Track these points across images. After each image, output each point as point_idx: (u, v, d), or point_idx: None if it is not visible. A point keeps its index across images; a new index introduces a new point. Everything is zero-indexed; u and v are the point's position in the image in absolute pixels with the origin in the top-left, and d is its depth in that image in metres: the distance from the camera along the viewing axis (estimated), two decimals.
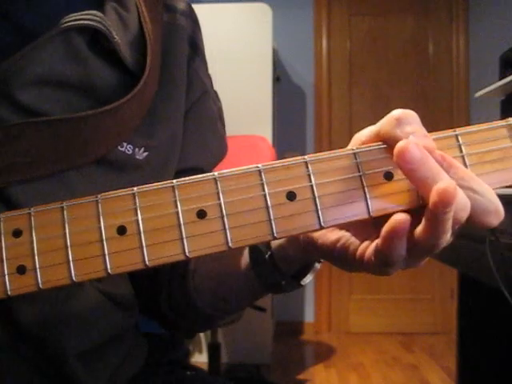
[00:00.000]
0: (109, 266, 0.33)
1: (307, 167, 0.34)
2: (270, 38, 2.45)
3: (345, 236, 0.38)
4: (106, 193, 0.33)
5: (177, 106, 0.54)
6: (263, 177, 0.34)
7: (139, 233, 0.33)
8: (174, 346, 0.65)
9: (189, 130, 0.56)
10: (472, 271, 1.16)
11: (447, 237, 0.33)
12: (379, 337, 2.95)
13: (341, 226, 0.39)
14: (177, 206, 0.33)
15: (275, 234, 0.33)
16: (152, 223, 0.33)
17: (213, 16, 2.40)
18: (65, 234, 0.33)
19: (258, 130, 2.34)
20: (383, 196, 0.34)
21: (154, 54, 0.49)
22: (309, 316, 3.12)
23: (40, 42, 0.42)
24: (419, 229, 0.33)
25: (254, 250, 0.46)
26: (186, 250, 0.33)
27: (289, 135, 3.02)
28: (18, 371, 0.44)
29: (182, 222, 0.33)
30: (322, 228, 0.34)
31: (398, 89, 3.08)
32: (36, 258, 0.33)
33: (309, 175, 0.34)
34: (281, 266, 0.45)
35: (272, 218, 0.33)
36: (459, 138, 0.35)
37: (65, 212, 0.33)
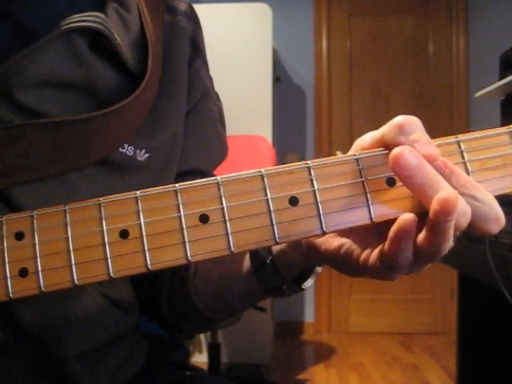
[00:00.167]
0: (111, 270, 0.33)
1: (310, 172, 0.34)
2: (270, 38, 2.45)
3: (348, 242, 0.38)
4: (109, 196, 0.33)
5: (178, 107, 0.54)
6: (266, 181, 0.34)
7: (142, 236, 0.33)
8: (174, 346, 0.65)
9: (190, 131, 0.56)
10: (472, 271, 1.16)
11: (449, 244, 0.33)
12: (379, 337, 2.95)
13: (342, 233, 0.39)
14: (179, 210, 0.33)
15: (277, 239, 0.33)
16: (154, 227, 0.33)
17: (213, 16, 2.40)
18: (67, 237, 0.33)
19: (258, 130, 2.34)
20: (385, 202, 0.34)
21: (156, 55, 0.49)
22: (309, 316, 3.12)
23: (41, 43, 0.42)
24: (421, 236, 0.33)
25: (255, 254, 0.46)
26: (189, 254, 0.33)
27: (289, 135, 3.02)
28: (19, 372, 0.44)
29: (184, 226, 0.33)
30: (324, 233, 0.34)
31: (398, 89, 3.08)
32: (38, 260, 0.33)
33: (311, 180, 0.34)
34: (282, 270, 0.45)
35: (274, 222, 0.33)
36: (461, 144, 0.35)
37: (67, 215, 0.33)
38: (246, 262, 0.47)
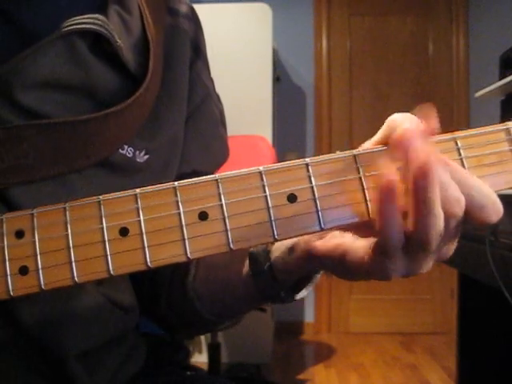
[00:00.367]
0: (111, 267, 0.33)
1: (308, 169, 0.34)
2: (270, 38, 2.45)
3: (344, 242, 0.38)
4: (109, 194, 0.34)
5: (178, 109, 0.54)
6: (264, 179, 0.34)
7: (141, 234, 0.33)
8: (174, 346, 0.65)
9: (190, 133, 0.56)
10: (472, 271, 1.16)
11: (438, 228, 0.32)
12: (379, 337, 2.95)
13: (340, 234, 0.38)
14: (178, 208, 0.33)
15: (276, 236, 0.33)
16: (154, 224, 0.33)
17: (213, 16, 2.40)
18: (67, 234, 0.33)
19: (258, 130, 2.35)
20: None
21: (157, 58, 0.49)
22: (309, 316, 3.12)
23: (42, 45, 0.42)
24: (409, 221, 0.33)
25: (254, 260, 0.45)
26: (188, 251, 0.33)
27: (289, 135, 3.02)
28: (19, 372, 0.44)
29: (183, 223, 0.33)
30: (322, 230, 0.34)
31: (398, 89, 3.08)
32: (38, 258, 0.33)
33: (309, 177, 0.34)
34: (280, 277, 0.44)
35: (273, 219, 0.33)
36: (458, 141, 0.36)
37: (67, 213, 0.33)
38: (246, 267, 0.47)
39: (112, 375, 0.51)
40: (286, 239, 0.34)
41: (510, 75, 1.87)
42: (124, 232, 0.33)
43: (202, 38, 0.59)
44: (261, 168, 0.34)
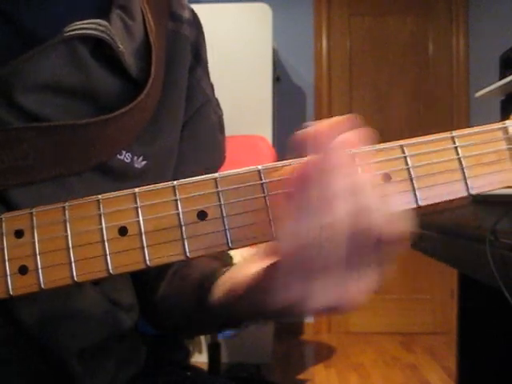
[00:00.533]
0: (110, 266, 0.33)
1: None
2: (270, 38, 2.45)
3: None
4: (108, 193, 0.34)
5: (176, 115, 0.54)
6: (263, 178, 0.34)
7: (140, 233, 0.33)
8: (174, 346, 0.65)
9: (186, 139, 0.56)
10: (472, 271, 1.16)
11: (310, 224, 0.31)
12: (379, 337, 2.95)
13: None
14: (177, 207, 0.33)
15: (274, 235, 0.33)
16: (153, 224, 0.33)
17: (213, 16, 2.40)
18: (66, 234, 0.33)
19: (258, 130, 2.35)
20: (382, 197, 0.34)
21: (159, 63, 0.49)
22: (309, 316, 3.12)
23: (43, 48, 0.42)
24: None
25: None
26: (187, 251, 0.33)
27: (289, 135, 3.00)
28: (19, 371, 0.44)
29: (182, 222, 0.33)
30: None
31: (398, 89, 3.08)
32: (38, 258, 0.33)
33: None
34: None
35: (272, 218, 0.33)
36: (456, 140, 0.36)
37: (66, 212, 0.33)
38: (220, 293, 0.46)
39: (112, 375, 0.51)
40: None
41: (510, 75, 1.87)
42: (123, 231, 0.33)
43: (203, 43, 0.59)
44: (259, 167, 0.34)
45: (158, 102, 0.50)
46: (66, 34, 0.42)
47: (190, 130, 0.56)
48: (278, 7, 2.78)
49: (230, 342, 2.42)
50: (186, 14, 0.57)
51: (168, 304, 0.55)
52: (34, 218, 0.33)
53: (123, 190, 0.36)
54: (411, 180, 0.34)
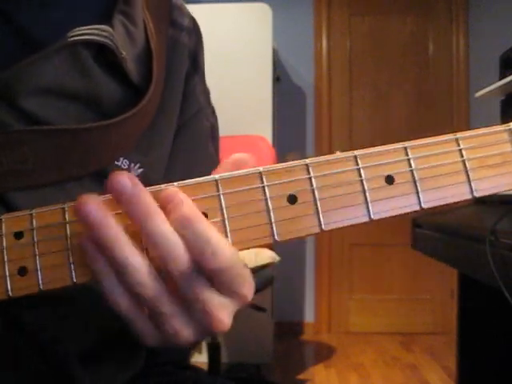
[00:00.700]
0: None
1: (308, 170, 0.34)
2: (270, 38, 2.45)
3: None
4: (107, 195, 0.33)
5: (172, 122, 0.54)
6: (264, 180, 0.34)
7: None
8: (174, 346, 0.65)
9: (178, 147, 0.55)
10: (472, 271, 1.16)
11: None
12: (379, 337, 2.96)
13: None
14: None
15: (276, 237, 0.33)
16: None
17: (213, 16, 2.41)
18: (66, 235, 0.33)
19: (258, 129, 2.35)
20: (384, 200, 0.34)
21: (159, 70, 0.49)
22: (309, 316, 3.12)
23: (46, 53, 0.42)
24: None
25: None
26: None
27: (289, 135, 3.02)
28: (19, 371, 0.44)
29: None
30: (322, 231, 0.34)
31: (398, 89, 3.08)
32: (37, 259, 0.33)
33: (310, 178, 0.34)
34: None
35: (273, 220, 0.33)
36: (460, 142, 0.35)
37: (66, 213, 0.33)
38: None
39: (112, 375, 0.51)
40: (286, 240, 0.34)
41: (510, 75, 1.87)
42: None
43: (202, 51, 0.59)
44: (260, 169, 0.34)
45: (157, 109, 0.50)
46: (69, 39, 0.42)
47: (181, 137, 0.56)
48: (278, 7, 2.78)
49: (230, 341, 2.42)
50: (186, 22, 0.57)
51: None
52: (34, 219, 0.33)
53: None
54: (415, 182, 0.34)
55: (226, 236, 0.33)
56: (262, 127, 2.39)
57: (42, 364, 0.45)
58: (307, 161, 0.34)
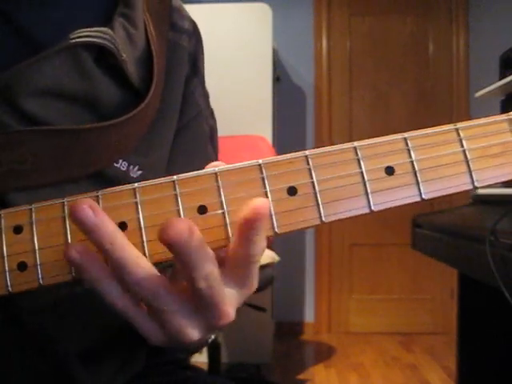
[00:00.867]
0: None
1: (308, 162, 0.34)
2: (270, 38, 2.45)
3: None
4: (107, 189, 0.33)
5: (171, 124, 0.54)
6: (264, 172, 0.34)
7: (140, 228, 0.33)
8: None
9: (177, 150, 0.55)
10: (472, 271, 1.16)
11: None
12: (379, 337, 2.95)
13: None
14: (177, 201, 0.33)
15: (276, 229, 0.33)
16: (153, 219, 0.33)
17: (213, 16, 2.41)
18: (65, 230, 0.33)
19: (258, 129, 2.35)
20: (385, 191, 0.34)
21: (159, 72, 0.49)
22: (309, 316, 3.12)
23: (47, 54, 0.42)
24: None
25: None
26: None
27: (289, 135, 3.02)
28: (19, 372, 0.44)
29: (182, 217, 0.33)
30: (323, 223, 0.34)
31: (398, 89, 3.08)
32: (37, 254, 0.33)
33: (309, 170, 0.34)
34: None
35: (273, 212, 0.33)
36: (460, 132, 0.35)
37: (65, 208, 0.33)
38: None
39: (112, 375, 0.51)
40: (286, 233, 0.34)
41: (510, 75, 1.87)
42: (122, 227, 0.33)
43: (202, 55, 0.59)
44: (260, 161, 0.34)
45: (157, 111, 0.50)
46: (70, 41, 0.42)
47: (180, 140, 0.56)
48: (278, 7, 2.78)
49: (230, 341, 2.42)
50: (186, 25, 0.57)
51: None
52: (33, 214, 0.33)
53: None
54: (415, 173, 0.34)
55: (227, 229, 0.33)
56: (262, 127, 2.39)
57: (42, 364, 0.45)
58: (307, 152, 0.34)
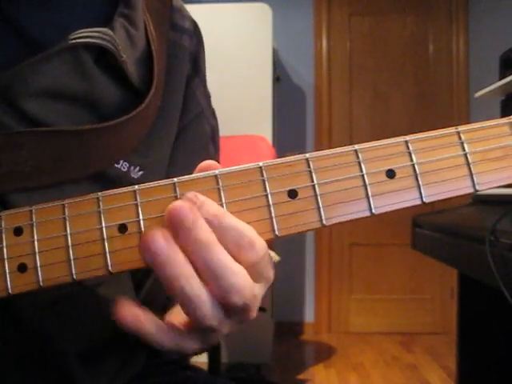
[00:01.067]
0: (109, 264, 0.33)
1: (308, 165, 0.34)
2: (270, 38, 2.45)
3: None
4: (107, 191, 0.33)
5: (172, 125, 0.53)
6: (264, 174, 0.34)
7: (140, 231, 0.33)
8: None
9: (178, 150, 0.55)
10: (472, 271, 1.16)
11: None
12: (379, 337, 2.96)
13: None
14: None
15: (277, 232, 0.33)
16: (153, 221, 0.33)
17: (213, 16, 2.41)
18: (66, 232, 0.33)
19: (258, 129, 2.34)
20: (385, 194, 0.34)
21: (160, 73, 0.49)
22: (309, 316, 3.12)
23: (47, 55, 0.42)
24: None
25: None
26: None
27: (289, 135, 3.02)
28: (19, 371, 0.44)
29: None
30: (323, 226, 0.34)
31: (398, 89, 3.08)
32: (37, 256, 0.33)
33: (310, 172, 0.34)
34: None
35: (273, 215, 0.33)
36: (461, 135, 0.35)
37: (66, 210, 0.33)
38: None
39: (112, 375, 0.51)
40: (287, 236, 0.34)
41: (510, 75, 1.87)
42: (123, 229, 0.33)
43: (203, 54, 0.59)
44: (261, 163, 0.34)
45: (158, 111, 0.50)
46: (70, 42, 0.42)
47: (181, 140, 0.56)
48: (278, 7, 2.78)
49: (230, 341, 2.42)
50: (187, 25, 0.57)
51: (151, 299, 0.54)
52: (34, 216, 0.33)
53: None
54: (416, 176, 0.34)
55: None
56: (262, 127, 2.39)
57: (42, 364, 0.45)
58: (307, 155, 0.34)
